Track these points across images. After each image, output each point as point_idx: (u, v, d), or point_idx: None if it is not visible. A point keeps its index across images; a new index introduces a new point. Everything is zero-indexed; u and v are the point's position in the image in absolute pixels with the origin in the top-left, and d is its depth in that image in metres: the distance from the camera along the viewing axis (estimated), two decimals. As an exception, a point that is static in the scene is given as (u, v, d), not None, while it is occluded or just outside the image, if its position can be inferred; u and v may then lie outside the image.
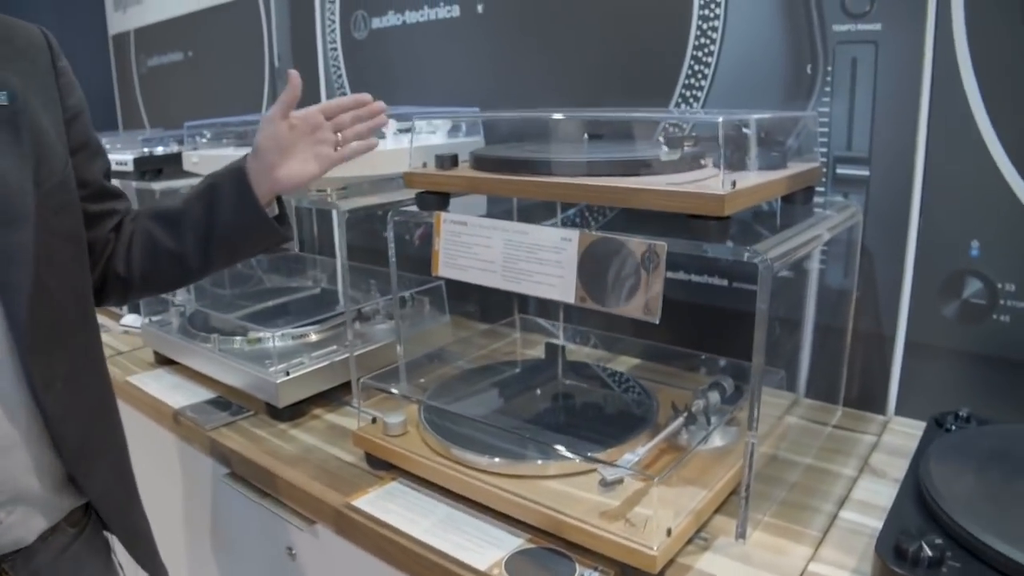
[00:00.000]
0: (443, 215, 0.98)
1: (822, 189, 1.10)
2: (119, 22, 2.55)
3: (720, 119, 0.76)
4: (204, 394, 1.26)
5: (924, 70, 0.99)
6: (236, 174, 0.89)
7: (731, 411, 0.97)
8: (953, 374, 1.06)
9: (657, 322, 0.81)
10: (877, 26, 1.02)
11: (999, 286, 1.00)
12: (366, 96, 0.95)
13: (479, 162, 1.00)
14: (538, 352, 1.33)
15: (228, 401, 1.22)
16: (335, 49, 1.67)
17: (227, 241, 0.90)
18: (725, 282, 1.23)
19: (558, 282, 0.87)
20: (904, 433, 1.06)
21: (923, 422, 1.07)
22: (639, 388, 1.10)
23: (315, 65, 1.72)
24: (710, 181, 0.78)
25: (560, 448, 0.88)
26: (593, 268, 0.84)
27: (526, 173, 0.91)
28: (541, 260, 0.88)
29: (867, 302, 1.11)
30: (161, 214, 0.91)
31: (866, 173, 1.07)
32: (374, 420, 1.02)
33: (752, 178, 0.83)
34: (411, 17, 1.53)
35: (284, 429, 1.13)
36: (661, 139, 0.80)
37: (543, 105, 1.37)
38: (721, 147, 0.75)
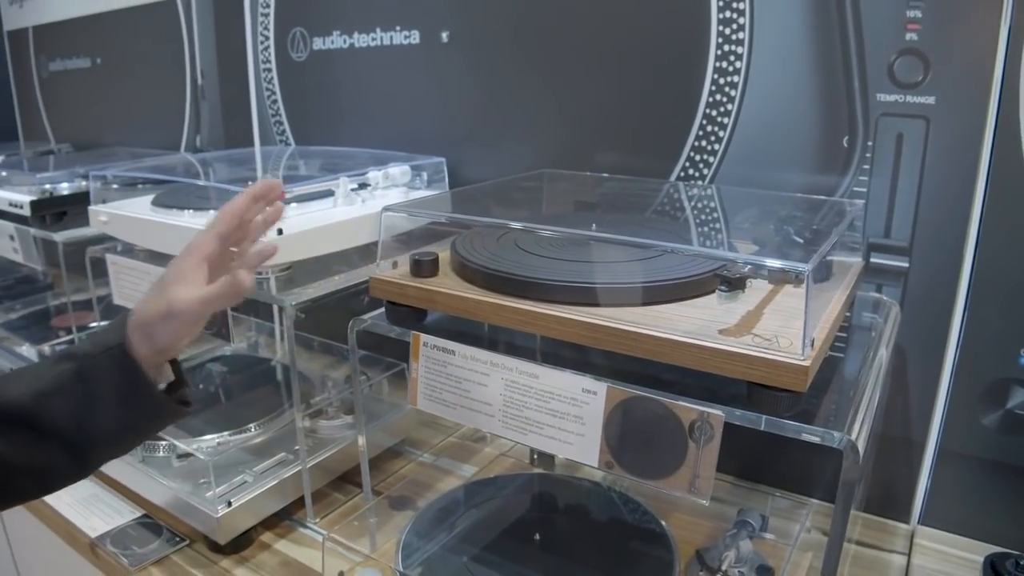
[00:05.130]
0: (422, 338, 0.79)
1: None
2: (15, 17, 2.21)
3: (809, 267, 0.60)
4: (128, 512, 1.03)
5: (983, 154, 0.85)
6: (115, 356, 0.63)
7: (768, 565, 0.83)
8: (985, 485, 0.95)
9: (707, 503, 0.66)
10: (930, 99, 0.87)
11: (1050, 397, 0.89)
12: (262, 188, 0.70)
13: (468, 271, 0.80)
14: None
15: (158, 524, 1.00)
16: (269, 69, 1.43)
17: (114, 443, 0.66)
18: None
19: (576, 440, 0.71)
20: (936, 553, 0.95)
21: (950, 534, 0.98)
22: (651, 520, 0.95)
23: (245, 87, 1.47)
24: (780, 334, 0.63)
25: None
26: (624, 429, 0.68)
27: (538, 298, 0.73)
28: (555, 412, 0.71)
29: (896, 404, 0.99)
30: None
31: (905, 265, 0.93)
32: (341, 576, 0.84)
33: (815, 312, 0.68)
34: (360, 40, 1.30)
35: (228, 568, 0.93)
36: (720, 282, 0.63)
37: (520, 155, 1.19)
38: (806, 301, 0.59)
